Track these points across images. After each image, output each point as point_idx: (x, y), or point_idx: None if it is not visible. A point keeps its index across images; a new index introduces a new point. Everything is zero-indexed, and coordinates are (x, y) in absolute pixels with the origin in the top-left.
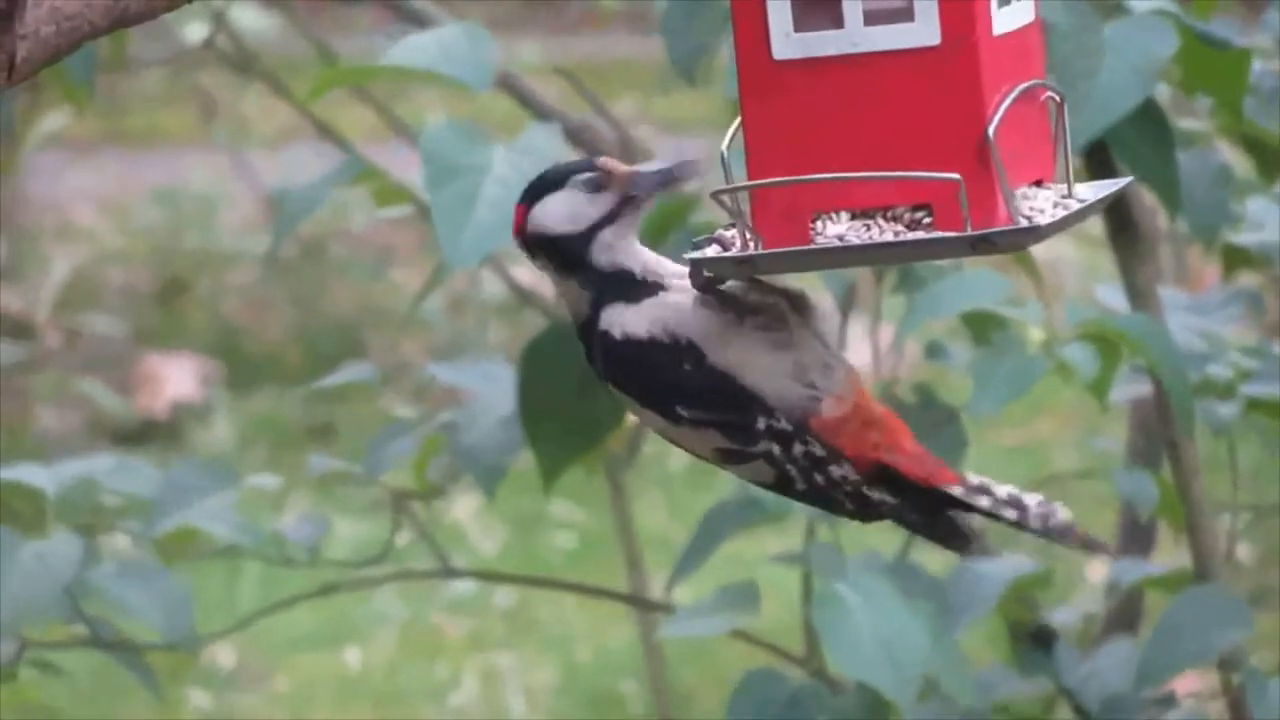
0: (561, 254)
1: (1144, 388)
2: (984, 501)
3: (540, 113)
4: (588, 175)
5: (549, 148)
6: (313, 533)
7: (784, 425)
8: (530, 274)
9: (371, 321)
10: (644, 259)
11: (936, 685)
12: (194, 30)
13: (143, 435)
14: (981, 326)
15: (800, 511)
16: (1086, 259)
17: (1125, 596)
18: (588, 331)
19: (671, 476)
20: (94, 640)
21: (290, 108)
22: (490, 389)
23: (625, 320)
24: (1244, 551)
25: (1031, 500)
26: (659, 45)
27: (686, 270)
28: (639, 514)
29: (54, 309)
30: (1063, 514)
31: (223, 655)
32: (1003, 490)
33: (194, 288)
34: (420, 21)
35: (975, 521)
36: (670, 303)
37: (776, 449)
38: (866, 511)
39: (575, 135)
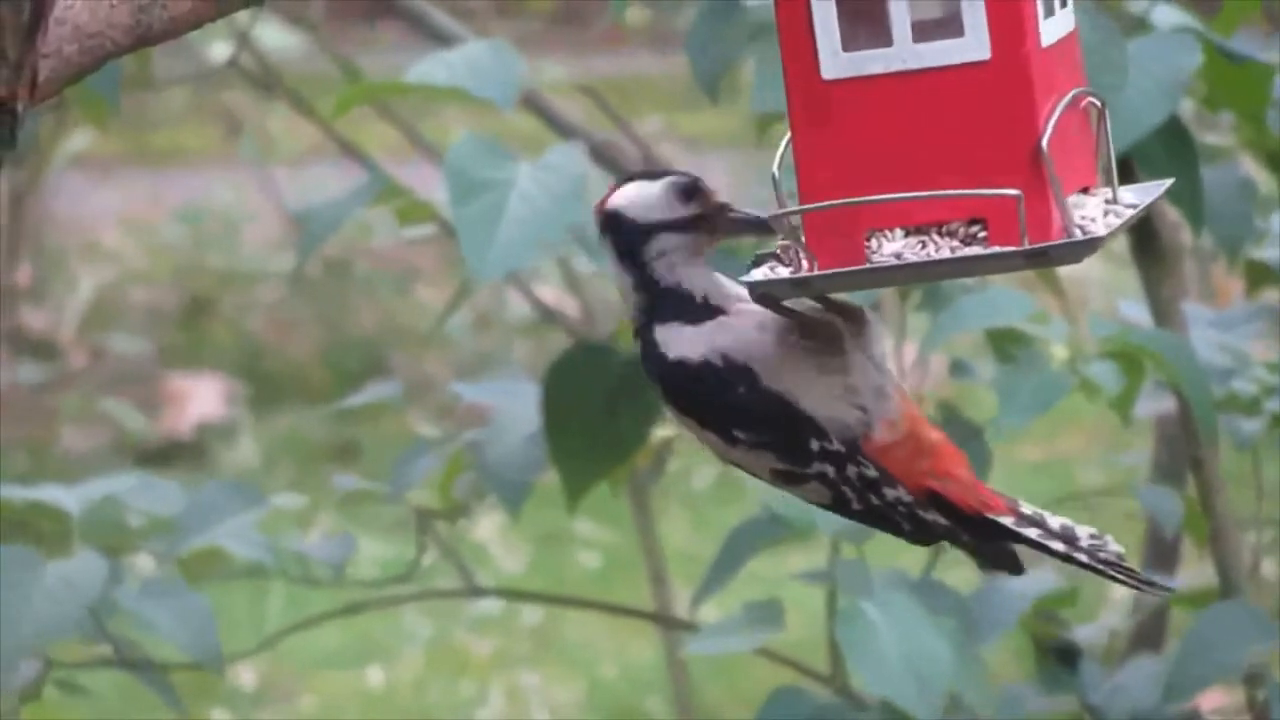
0: (622, 239)
1: (1168, 403)
2: (1032, 533)
3: (564, 131)
4: (683, 182)
5: (573, 165)
6: (338, 552)
7: (836, 447)
8: (554, 292)
9: (396, 340)
10: (708, 283)
11: (961, 702)
12: (218, 49)
13: (167, 455)
14: (1005, 343)
15: (824, 529)
16: (1111, 275)
17: (1150, 613)
18: (642, 340)
19: (696, 494)
20: (118, 660)
21: (315, 126)
22: (515, 407)
23: (681, 343)
24: (1269, 567)
25: (1083, 533)
26: (683, 63)
27: (748, 292)
28: (664, 531)
29: (79, 328)
30: (1114, 546)
31: (245, 675)
32: (1055, 522)
33: (218, 306)
34: (444, 40)
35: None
36: (727, 326)
37: (831, 470)
38: (922, 533)
39: (599, 153)
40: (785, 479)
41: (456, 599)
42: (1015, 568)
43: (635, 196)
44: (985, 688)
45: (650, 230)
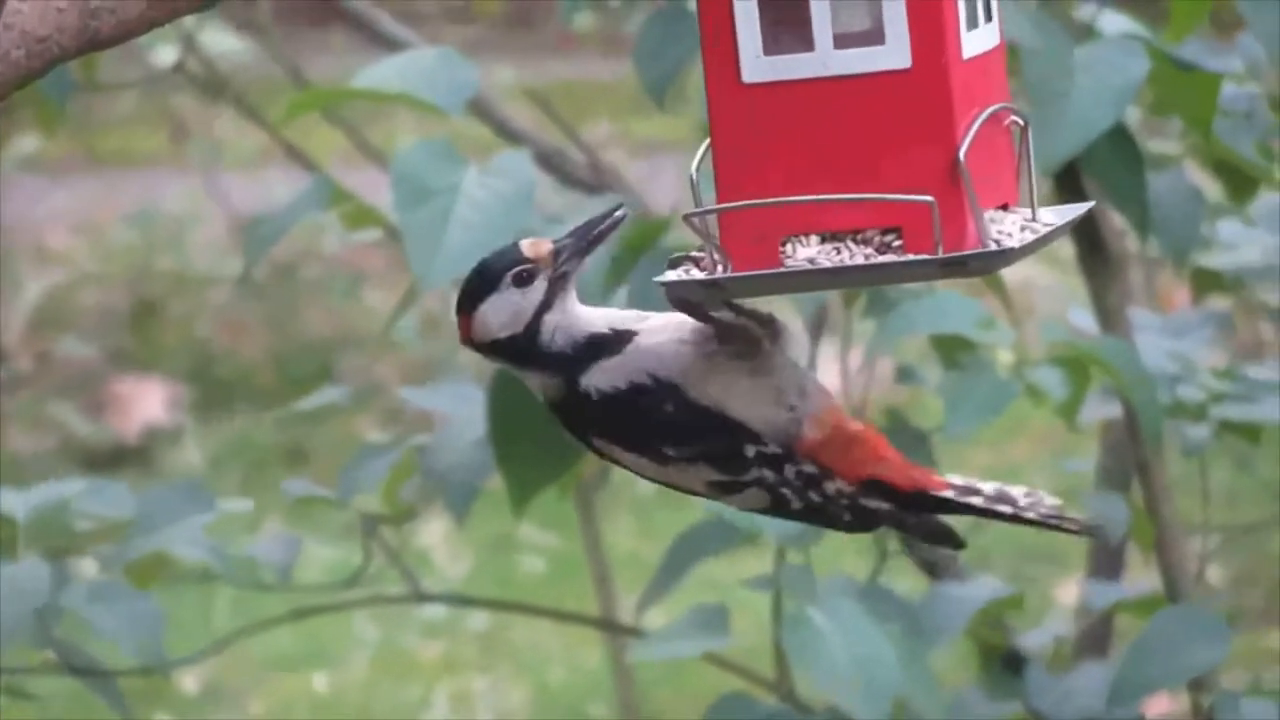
0: (513, 353)
1: (1115, 409)
2: (975, 500)
3: (512, 136)
4: (515, 270)
5: (521, 171)
6: (285, 556)
7: (773, 449)
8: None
9: (344, 344)
10: (608, 318)
11: (908, 708)
12: (165, 53)
13: (114, 459)
14: (951, 349)
15: (771, 535)
16: (1058, 282)
17: (1096, 619)
18: (564, 405)
19: (642, 499)
20: (65, 665)
21: (263, 130)
22: (462, 412)
23: (604, 377)
24: (1214, 574)
25: (1018, 492)
26: (633, 68)
27: (650, 315)
28: (610, 537)
29: (26, 332)
30: (1050, 500)
31: (191, 680)
32: (989, 487)
33: (167, 310)
34: (393, 44)
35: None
36: (645, 347)
37: (769, 474)
38: (864, 521)
39: (547, 159)
40: (722, 489)
41: (403, 604)
42: (956, 543)
43: (494, 316)
44: (933, 693)
45: (532, 329)
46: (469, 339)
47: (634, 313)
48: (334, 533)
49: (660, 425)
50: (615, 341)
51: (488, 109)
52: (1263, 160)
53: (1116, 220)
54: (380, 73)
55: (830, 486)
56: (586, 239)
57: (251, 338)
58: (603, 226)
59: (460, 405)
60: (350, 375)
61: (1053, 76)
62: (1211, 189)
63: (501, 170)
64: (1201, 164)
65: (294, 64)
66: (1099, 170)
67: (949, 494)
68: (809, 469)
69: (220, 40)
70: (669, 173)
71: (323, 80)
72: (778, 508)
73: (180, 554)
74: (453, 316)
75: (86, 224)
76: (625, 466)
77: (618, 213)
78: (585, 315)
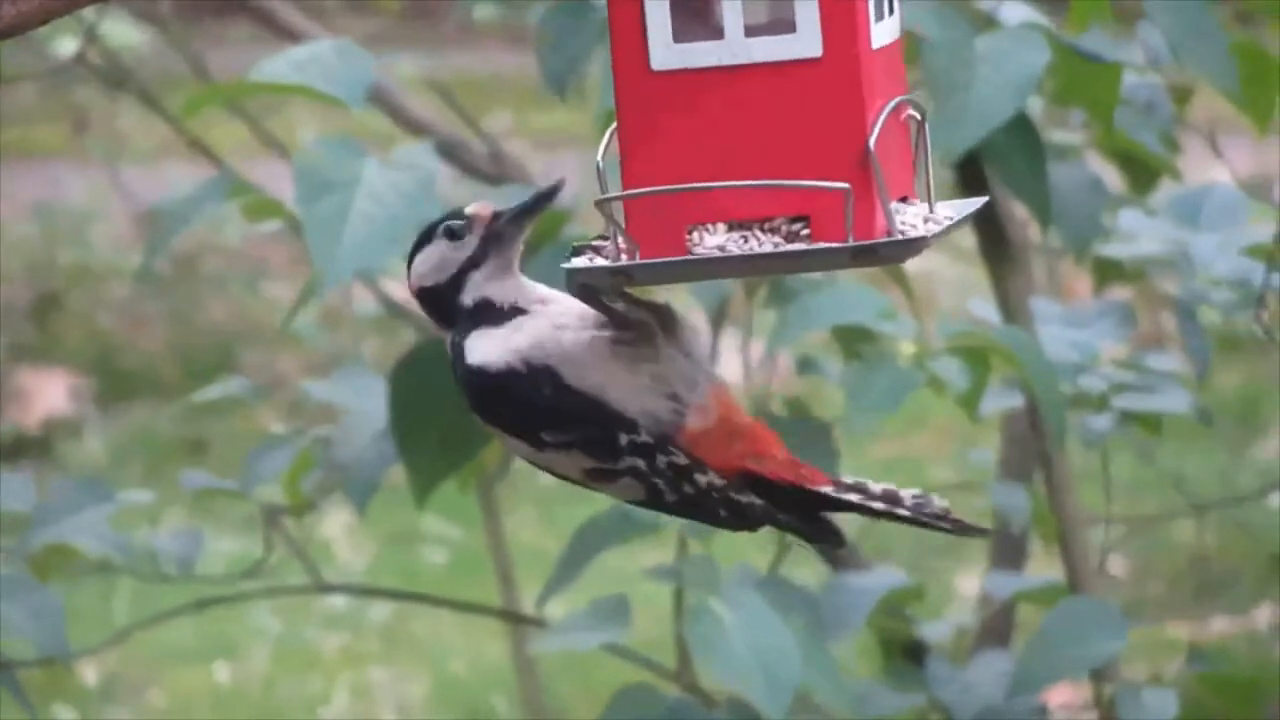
0: (438, 304)
1: (1017, 401)
2: (853, 497)
3: (414, 128)
4: (449, 223)
5: (422, 163)
6: (186, 548)
7: (645, 439)
8: (403, 289)
9: (246, 336)
10: (512, 290)
11: (809, 699)
12: (65, 45)
13: (14, 451)
14: (851, 341)
15: (673, 526)
16: (959, 273)
17: (998, 609)
18: (453, 353)
19: (545, 491)
20: None
21: (164, 123)
22: (364, 404)
23: (481, 350)
24: (1116, 565)
25: (906, 494)
26: (535, 60)
27: (553, 294)
28: (512, 529)
29: None
30: (938, 502)
31: (91, 671)
32: (878, 488)
33: (68, 303)
34: (295, 36)
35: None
36: (523, 326)
37: (641, 463)
38: (740, 517)
39: (449, 150)
40: (597, 477)
41: (305, 596)
42: (837, 541)
43: (423, 264)
44: (836, 684)
45: (456, 282)
46: (410, 288)
47: (553, 292)
48: (236, 525)
49: (536, 409)
50: (497, 316)
51: (389, 100)
52: (1164, 150)
53: (1018, 211)
54: (280, 65)
55: (702, 479)
56: (526, 207)
57: (153, 330)
58: (542, 192)
59: (362, 398)
60: (252, 368)
61: (953, 67)
62: (1113, 179)
63: (403, 162)
64: (1103, 154)
65: (195, 56)
66: (1000, 161)
67: (827, 489)
68: (680, 460)
69: (121, 32)
70: (570, 164)
71: (224, 72)
72: (653, 499)
73: (81, 546)
74: (353, 310)
75: None
76: (507, 446)
77: (557, 182)
78: (505, 282)
